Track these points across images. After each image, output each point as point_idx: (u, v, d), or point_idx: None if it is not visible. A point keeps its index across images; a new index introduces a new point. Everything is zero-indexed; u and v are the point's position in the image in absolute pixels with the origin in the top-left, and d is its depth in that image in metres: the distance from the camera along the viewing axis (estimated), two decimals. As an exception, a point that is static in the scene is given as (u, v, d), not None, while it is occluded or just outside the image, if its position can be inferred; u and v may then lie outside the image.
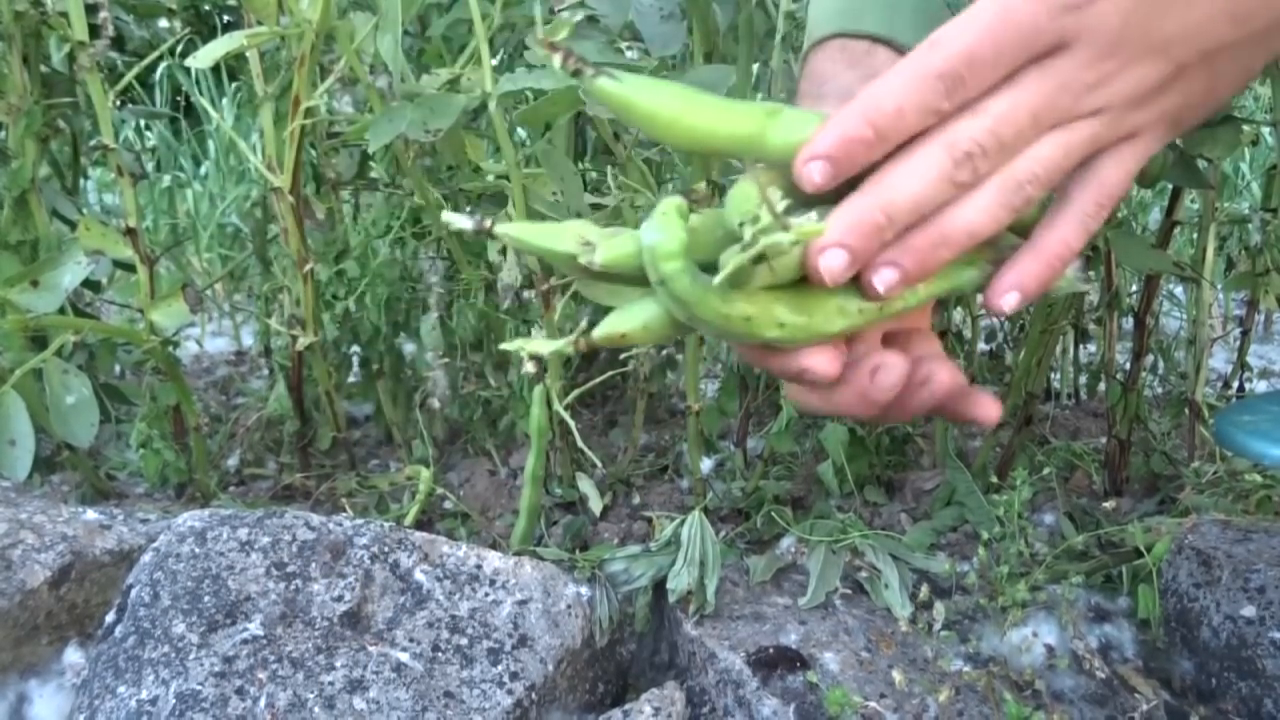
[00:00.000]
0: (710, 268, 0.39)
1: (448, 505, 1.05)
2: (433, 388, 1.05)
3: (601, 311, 0.44)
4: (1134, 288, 1.60)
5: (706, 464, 1.03)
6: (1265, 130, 1.89)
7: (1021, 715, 0.70)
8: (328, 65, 1.03)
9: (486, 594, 0.81)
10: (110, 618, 0.75)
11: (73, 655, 0.79)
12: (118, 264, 1.18)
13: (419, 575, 0.81)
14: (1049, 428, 1.32)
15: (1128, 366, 1.45)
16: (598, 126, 1.00)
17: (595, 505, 1.03)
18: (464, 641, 0.76)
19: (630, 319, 0.43)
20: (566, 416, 0.89)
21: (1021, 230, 0.44)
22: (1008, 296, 0.43)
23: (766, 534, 1.00)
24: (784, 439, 0.99)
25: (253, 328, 1.68)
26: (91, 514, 0.87)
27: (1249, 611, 0.78)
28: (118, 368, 1.24)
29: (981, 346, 1.49)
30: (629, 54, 1.20)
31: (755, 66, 1.17)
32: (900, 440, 1.16)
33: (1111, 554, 0.93)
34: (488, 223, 0.41)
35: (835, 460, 0.99)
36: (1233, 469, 1.05)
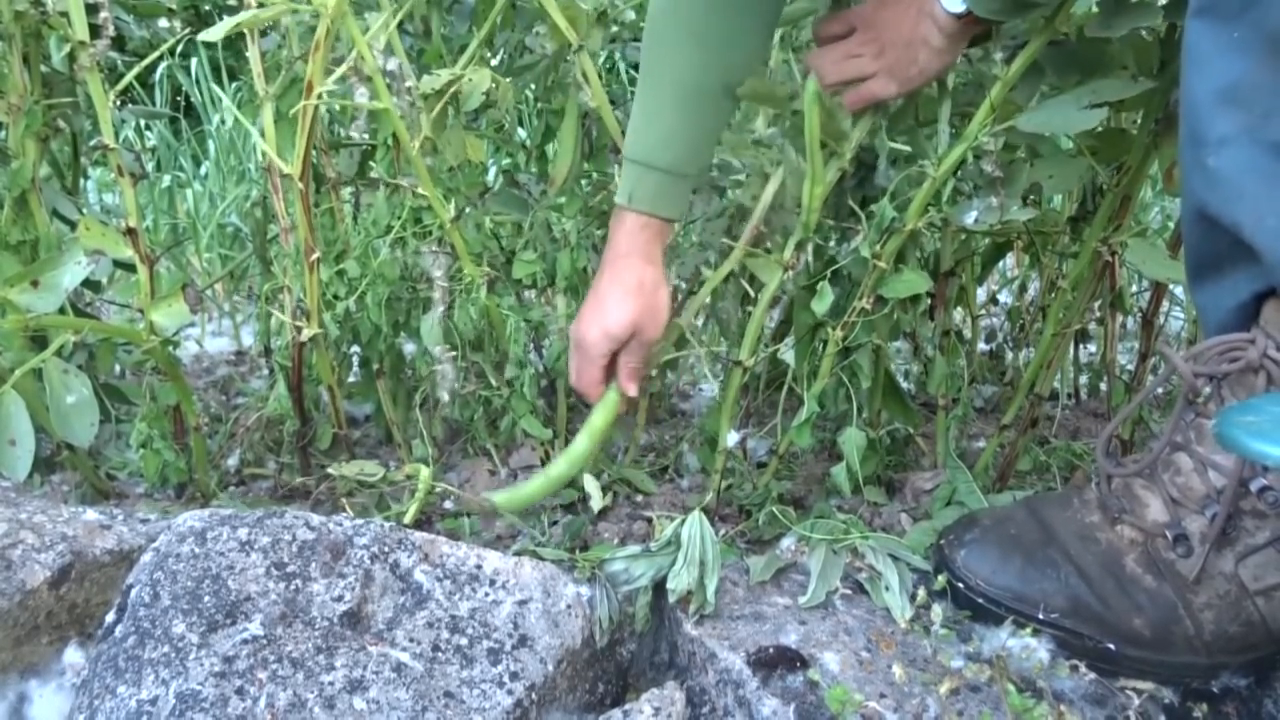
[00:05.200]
0: None
1: (448, 505, 1.05)
2: (441, 380, 1.04)
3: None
4: (1134, 288, 1.60)
5: (734, 437, 1.03)
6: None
7: (1025, 707, 0.70)
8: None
9: (486, 594, 0.81)
10: (110, 618, 0.75)
11: (73, 655, 0.79)
12: (118, 264, 1.18)
13: (419, 575, 0.81)
14: (1050, 428, 1.32)
15: (1128, 366, 1.45)
16: (605, 121, 1.00)
17: (596, 504, 1.03)
18: (464, 641, 0.76)
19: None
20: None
21: None
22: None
23: (767, 534, 1.00)
24: (804, 432, 0.98)
25: (253, 328, 1.68)
26: (91, 514, 0.87)
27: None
28: (118, 368, 1.24)
29: (982, 347, 1.49)
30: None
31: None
32: (901, 440, 1.16)
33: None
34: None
35: (850, 463, 0.98)
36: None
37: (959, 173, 0.98)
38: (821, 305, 0.95)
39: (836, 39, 0.91)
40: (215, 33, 0.87)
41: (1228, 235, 0.74)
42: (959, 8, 0.83)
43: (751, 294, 1.01)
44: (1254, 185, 0.71)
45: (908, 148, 0.96)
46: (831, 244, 1.08)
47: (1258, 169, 0.71)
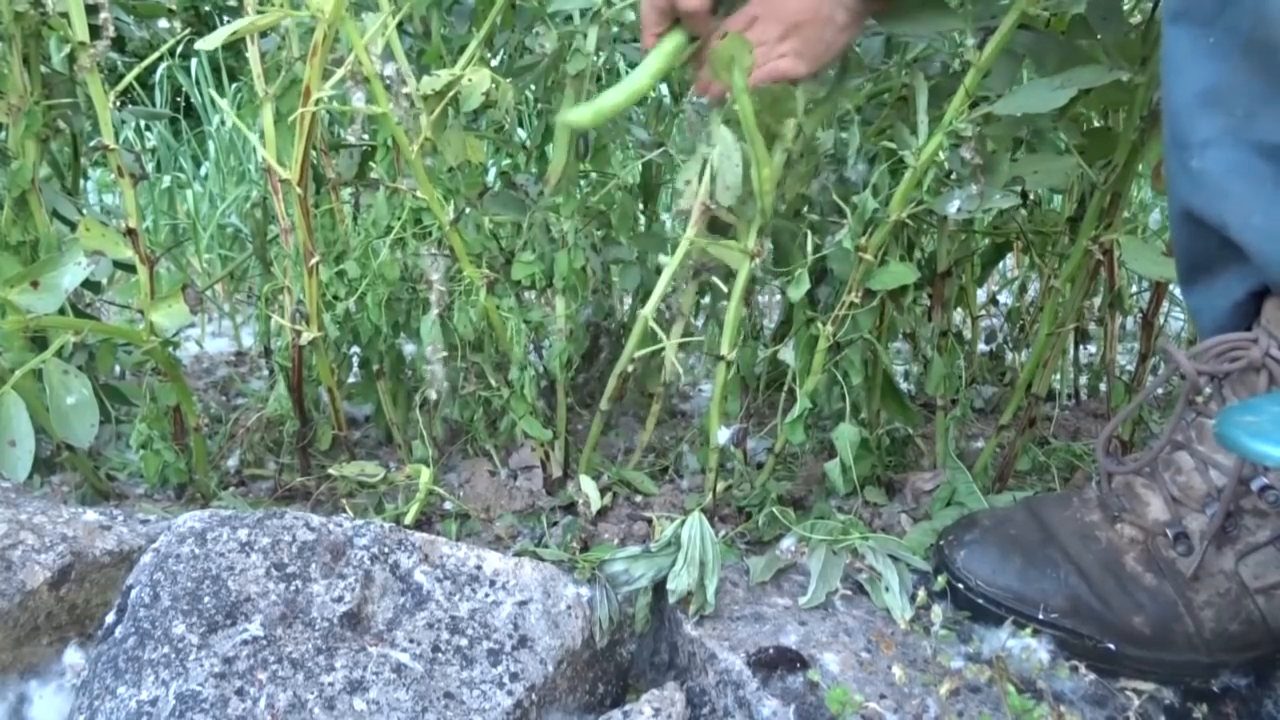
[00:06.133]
0: None
1: (448, 506, 1.05)
2: (431, 380, 1.04)
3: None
4: (1134, 289, 1.60)
5: (724, 434, 1.02)
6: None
7: (1025, 708, 0.70)
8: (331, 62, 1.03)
9: (486, 595, 0.81)
10: (110, 618, 0.75)
11: (73, 656, 0.79)
12: (118, 264, 1.18)
13: (419, 576, 0.81)
14: (1049, 428, 1.32)
15: (1128, 367, 1.45)
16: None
17: (594, 505, 1.03)
18: (464, 642, 0.76)
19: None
20: None
21: None
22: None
23: (767, 534, 1.00)
24: (796, 429, 0.98)
25: (253, 328, 1.68)
26: (91, 514, 0.87)
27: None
28: (118, 368, 1.24)
29: (982, 347, 1.49)
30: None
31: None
32: (901, 441, 1.16)
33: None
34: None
35: (844, 459, 0.98)
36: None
37: (951, 175, 0.98)
38: (797, 292, 0.95)
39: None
40: (213, 40, 0.87)
41: (1216, 235, 0.75)
42: None
43: (724, 288, 1.01)
44: (1238, 185, 0.72)
45: (891, 144, 0.96)
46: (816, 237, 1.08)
47: (1241, 169, 0.72)
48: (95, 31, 0.95)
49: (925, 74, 0.94)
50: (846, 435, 0.99)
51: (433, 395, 1.05)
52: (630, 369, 1.05)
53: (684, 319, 1.05)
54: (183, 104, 2.89)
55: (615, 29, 1.16)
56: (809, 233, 0.97)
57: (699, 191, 0.94)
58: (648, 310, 1.00)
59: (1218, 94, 0.72)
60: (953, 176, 0.97)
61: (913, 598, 0.84)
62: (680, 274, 1.03)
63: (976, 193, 0.91)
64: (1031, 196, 1.20)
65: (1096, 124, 1.13)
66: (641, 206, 1.27)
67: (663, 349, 1.02)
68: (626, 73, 0.94)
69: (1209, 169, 0.73)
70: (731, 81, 0.84)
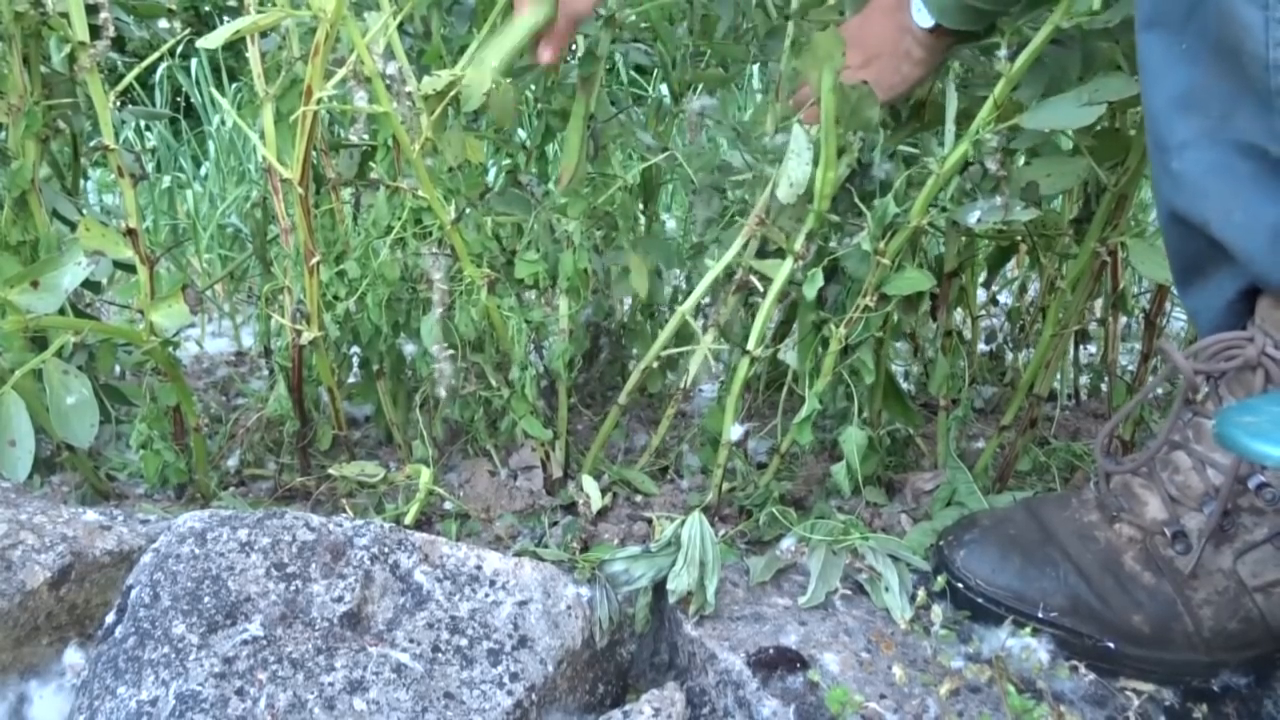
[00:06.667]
0: None
1: (448, 506, 1.05)
2: (439, 378, 1.04)
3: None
4: (1136, 289, 1.60)
5: (737, 431, 1.02)
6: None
7: (1025, 708, 0.70)
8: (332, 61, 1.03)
9: (486, 595, 0.81)
10: (110, 618, 0.75)
11: (73, 656, 0.79)
12: (118, 264, 1.18)
13: (419, 576, 0.81)
14: (1050, 429, 1.32)
15: (1129, 367, 1.45)
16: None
17: (595, 504, 1.03)
18: (464, 642, 0.76)
19: None
20: None
21: None
22: None
23: (768, 534, 1.00)
24: (804, 429, 0.98)
25: (253, 328, 1.68)
26: (91, 514, 0.87)
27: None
28: (118, 368, 1.24)
29: (982, 347, 1.49)
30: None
31: (754, 67, 1.17)
32: (901, 441, 1.16)
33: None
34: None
35: (850, 461, 0.98)
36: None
37: (964, 174, 0.98)
38: (811, 289, 0.95)
39: None
40: (214, 39, 0.87)
41: (1203, 236, 0.76)
42: (928, 23, 0.88)
43: (760, 288, 1.01)
44: (1217, 184, 0.74)
45: (912, 148, 0.97)
46: (833, 243, 1.08)
47: (1219, 168, 0.73)
48: (95, 31, 0.95)
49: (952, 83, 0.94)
50: (854, 439, 0.98)
51: (442, 394, 1.05)
52: (655, 365, 1.06)
53: (716, 328, 1.05)
54: (183, 104, 2.89)
55: (616, 30, 1.16)
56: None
57: (756, 207, 0.96)
58: (686, 307, 1.01)
59: (1193, 97, 0.74)
60: (964, 175, 0.97)
61: (913, 598, 0.84)
62: (721, 285, 1.03)
63: (1001, 204, 0.92)
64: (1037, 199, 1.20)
65: (1102, 125, 1.13)
66: (641, 207, 1.27)
67: (682, 351, 1.03)
68: (627, 73, 0.94)
69: (1188, 170, 0.75)
70: (820, 78, 0.85)
